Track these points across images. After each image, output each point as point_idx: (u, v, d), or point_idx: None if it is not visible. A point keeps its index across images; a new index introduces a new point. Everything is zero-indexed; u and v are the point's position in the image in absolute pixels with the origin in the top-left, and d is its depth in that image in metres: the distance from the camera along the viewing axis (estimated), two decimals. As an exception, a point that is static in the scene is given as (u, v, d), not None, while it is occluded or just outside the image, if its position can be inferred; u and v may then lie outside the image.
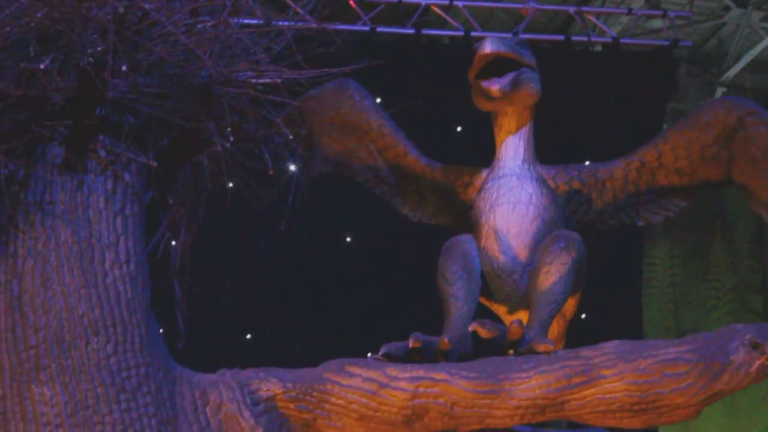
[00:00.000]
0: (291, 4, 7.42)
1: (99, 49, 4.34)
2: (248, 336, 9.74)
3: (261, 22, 4.84)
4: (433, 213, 5.65)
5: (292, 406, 4.48)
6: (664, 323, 12.63)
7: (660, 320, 12.62)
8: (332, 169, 5.80)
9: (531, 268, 4.97)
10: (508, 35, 5.19)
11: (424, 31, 10.80)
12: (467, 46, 5.14)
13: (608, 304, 9.23)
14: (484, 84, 4.99)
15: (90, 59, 4.33)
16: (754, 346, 4.19)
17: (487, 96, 5.03)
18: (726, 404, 11.67)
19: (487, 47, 4.91)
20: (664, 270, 13.09)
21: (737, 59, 13.42)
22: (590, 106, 10.29)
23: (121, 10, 4.35)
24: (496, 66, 4.97)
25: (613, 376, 4.29)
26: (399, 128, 5.61)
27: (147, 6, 4.39)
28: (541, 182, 5.13)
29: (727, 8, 13.23)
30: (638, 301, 11.00)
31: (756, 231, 12.83)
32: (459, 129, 10.12)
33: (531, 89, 5.08)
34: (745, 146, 5.07)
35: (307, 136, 5.52)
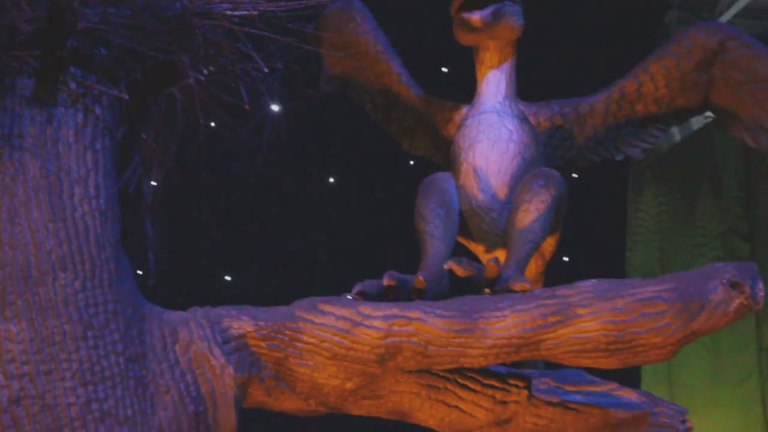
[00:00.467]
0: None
1: (69, -23, 4.25)
2: (227, 278, 9.69)
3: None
4: (421, 144, 5.60)
5: (263, 344, 4.43)
6: (650, 270, 12.60)
7: (646, 267, 12.58)
8: (337, 89, 5.78)
9: (510, 206, 4.90)
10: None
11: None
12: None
13: (591, 248, 9.20)
14: (465, 14, 4.91)
15: (60, -13, 4.24)
16: (733, 286, 4.13)
17: (468, 27, 4.95)
18: (709, 349, 11.67)
19: None
20: (651, 216, 13.04)
21: (729, 5, 13.28)
22: (577, 50, 10.17)
23: (91, -62, 4.26)
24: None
25: (589, 315, 4.23)
26: (396, 55, 5.55)
27: (117, -66, 4.30)
28: (522, 119, 5.06)
29: (722, -48, 13.11)
30: (622, 246, 10.94)
31: (744, 178, 12.77)
32: (446, 70, 10.02)
33: (513, 22, 4.97)
34: (727, 70, 5.04)
35: (315, 55, 5.49)
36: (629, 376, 5.18)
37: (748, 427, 11.15)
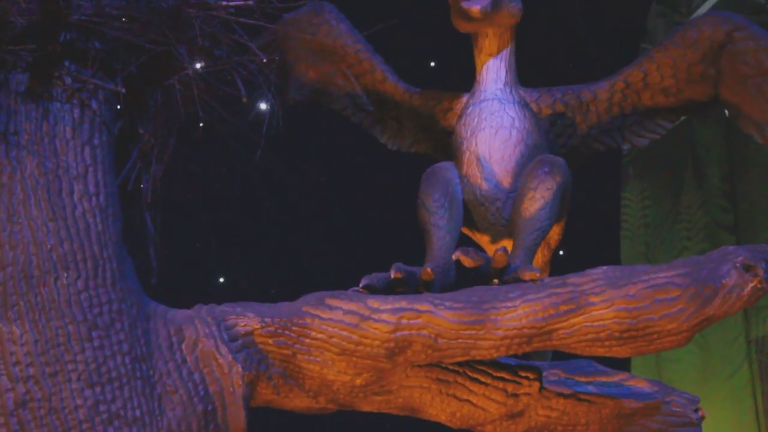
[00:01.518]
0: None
1: (62, -31, 4.15)
2: (221, 279, 9.58)
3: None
4: (413, 141, 5.50)
5: (270, 341, 4.34)
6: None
7: (633, 262, 12.56)
8: (308, 96, 5.62)
9: (515, 194, 4.82)
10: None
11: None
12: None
13: (586, 242, 9.13)
14: (464, 4, 4.78)
15: (52, -20, 4.14)
16: (747, 269, 4.06)
17: (467, 17, 4.84)
18: (698, 344, 11.65)
19: None
20: (636, 211, 13.04)
21: (706, -2, 13.33)
22: (565, 41, 10.08)
23: (82, -71, 4.16)
24: None
25: (602, 302, 4.16)
26: (377, 53, 5.45)
27: (109, -76, 4.20)
28: (524, 105, 4.97)
29: (698, -55, 13.15)
30: (616, 240, 10.83)
31: (727, 170, 12.78)
32: (433, 64, 9.95)
33: (512, 9, 4.87)
34: (734, 63, 4.91)
35: (281, 63, 5.33)
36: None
37: (740, 421, 11.13)
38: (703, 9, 13.12)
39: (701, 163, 12.90)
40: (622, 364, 5.00)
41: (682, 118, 5.32)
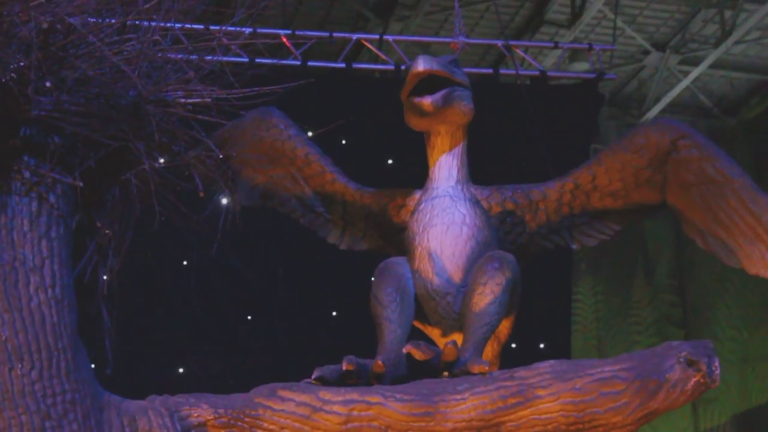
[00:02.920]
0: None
1: (22, 64, 4.21)
2: (180, 370, 9.54)
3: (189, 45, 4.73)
4: (362, 239, 5.59)
5: (223, 432, 4.38)
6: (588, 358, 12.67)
7: (584, 355, 12.67)
8: (257, 201, 5.72)
9: (465, 289, 4.91)
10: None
11: (355, 65, 10.80)
12: (398, 80, 5.08)
13: (538, 334, 9.22)
14: (416, 99, 4.92)
15: (12, 75, 4.20)
16: (690, 364, 4.17)
17: (420, 111, 4.96)
18: (648, 436, 11.69)
19: (420, 65, 4.85)
20: (588, 306, 13.19)
21: (656, 101, 13.64)
22: (518, 141, 10.22)
23: (45, 25, 4.22)
24: (429, 84, 4.90)
25: (549, 396, 4.25)
26: (325, 155, 5.54)
27: (73, 21, 4.27)
28: (475, 203, 5.07)
29: (646, 52, 13.53)
30: (568, 333, 10.94)
31: (676, 266, 12.98)
32: (390, 162, 10.08)
33: (463, 107, 5.02)
34: (679, 170, 5.02)
35: (228, 169, 5.37)
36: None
37: None
38: (654, 112, 13.41)
39: (651, 259, 13.10)
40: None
41: (633, 222, 5.43)
